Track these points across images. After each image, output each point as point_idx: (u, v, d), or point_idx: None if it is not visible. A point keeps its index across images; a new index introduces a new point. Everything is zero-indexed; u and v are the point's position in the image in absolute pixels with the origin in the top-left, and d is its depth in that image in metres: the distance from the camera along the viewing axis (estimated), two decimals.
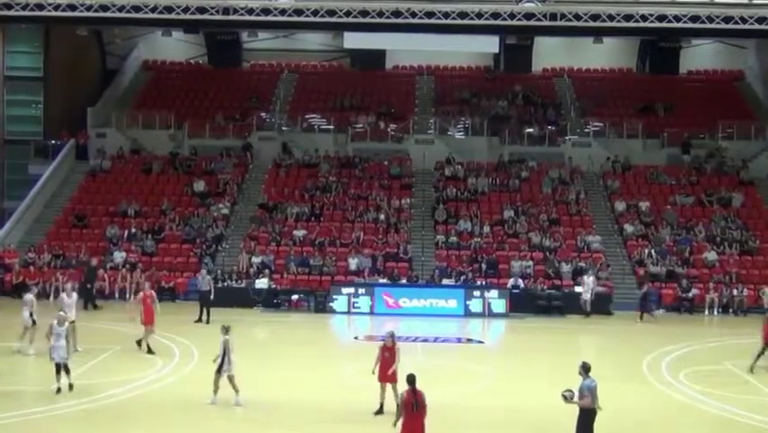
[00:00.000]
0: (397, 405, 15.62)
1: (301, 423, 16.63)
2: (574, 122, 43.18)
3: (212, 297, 28.28)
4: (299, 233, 35.45)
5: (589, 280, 31.27)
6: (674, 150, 41.20)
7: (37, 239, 35.82)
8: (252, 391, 18.70)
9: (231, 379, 17.23)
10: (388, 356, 16.79)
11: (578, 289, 31.90)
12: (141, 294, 23.57)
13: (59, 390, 17.98)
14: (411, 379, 13.79)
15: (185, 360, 21.57)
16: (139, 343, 22.33)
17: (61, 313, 18.95)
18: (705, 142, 41.58)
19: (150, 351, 22.14)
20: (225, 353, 17.17)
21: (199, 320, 27.61)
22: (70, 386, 18.16)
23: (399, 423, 13.67)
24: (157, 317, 22.76)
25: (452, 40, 35.84)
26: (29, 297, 22.56)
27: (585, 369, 13.82)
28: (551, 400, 18.29)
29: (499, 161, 40.59)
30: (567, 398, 13.72)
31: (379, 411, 16.78)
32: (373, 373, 16.80)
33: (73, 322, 21.06)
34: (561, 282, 32.91)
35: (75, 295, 23.13)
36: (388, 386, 16.75)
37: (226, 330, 17.47)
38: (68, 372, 18.11)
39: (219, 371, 17.21)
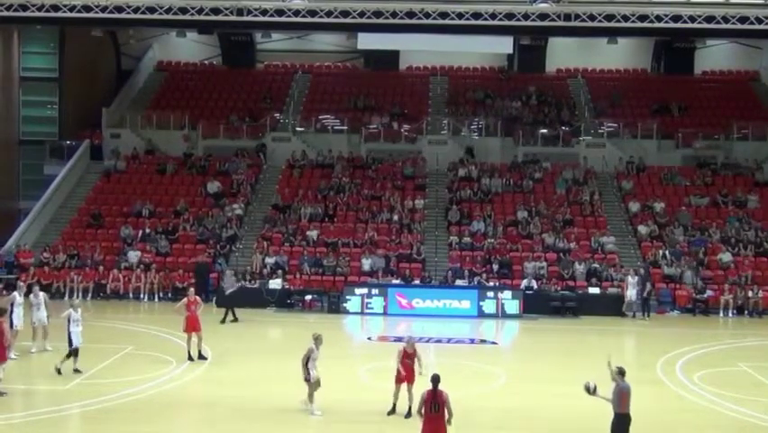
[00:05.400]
0: (413, 406, 15.69)
1: (314, 422, 16.66)
2: (588, 122, 43.07)
3: (226, 294, 28.70)
4: (313, 233, 35.48)
5: (634, 280, 31.00)
6: (689, 151, 41.04)
7: (52, 239, 35.99)
8: (267, 391, 18.79)
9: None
10: (409, 363, 16.79)
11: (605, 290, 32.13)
12: (185, 300, 22.05)
13: (59, 371, 19.34)
14: (434, 379, 13.71)
15: (199, 360, 21.55)
16: (191, 357, 21.44)
17: (76, 300, 19.92)
18: (719, 142, 41.45)
19: (201, 356, 21.54)
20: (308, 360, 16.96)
21: (224, 321, 27.62)
22: (71, 370, 19.49)
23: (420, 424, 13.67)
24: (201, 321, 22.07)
25: (465, 40, 35.76)
26: (42, 295, 22.77)
27: (621, 373, 13.85)
28: (565, 401, 18.31)
29: (513, 161, 40.56)
30: (589, 389, 13.81)
31: (392, 411, 16.83)
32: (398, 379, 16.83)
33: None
34: (574, 283, 32.82)
35: (42, 294, 22.97)
36: (404, 386, 16.78)
37: (314, 340, 17.22)
38: (76, 356, 19.54)
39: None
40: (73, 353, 19.52)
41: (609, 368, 14.07)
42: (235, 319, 27.92)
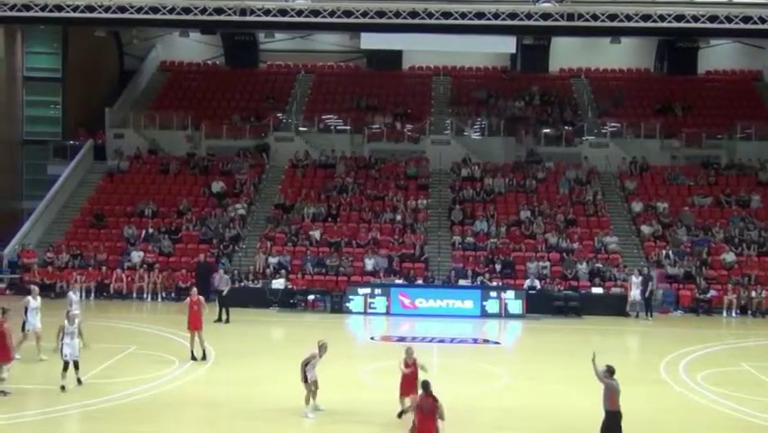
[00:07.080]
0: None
1: (317, 423, 16.65)
2: (591, 122, 43.03)
3: (223, 294, 28.51)
4: (315, 233, 35.48)
5: (638, 280, 30.94)
6: (692, 150, 40.99)
7: (55, 239, 36.04)
8: (268, 391, 18.80)
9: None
10: (408, 373, 16.65)
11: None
12: (187, 299, 22.33)
13: (63, 388, 18.20)
14: (424, 385, 13.85)
15: (201, 360, 21.56)
16: (194, 357, 21.49)
17: (73, 312, 19.39)
18: (722, 142, 41.42)
19: (203, 356, 21.58)
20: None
21: (219, 320, 27.65)
22: (78, 381, 18.49)
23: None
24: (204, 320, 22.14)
25: (468, 40, 35.74)
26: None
27: (610, 372, 13.94)
28: (567, 402, 18.31)
29: (516, 161, 40.53)
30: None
31: (401, 414, 16.71)
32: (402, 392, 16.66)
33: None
34: (577, 283, 32.79)
35: (76, 295, 23.12)
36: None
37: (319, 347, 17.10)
38: (77, 367, 18.46)
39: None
40: (64, 366, 18.36)
41: (594, 366, 14.09)
42: (221, 320, 27.73)
